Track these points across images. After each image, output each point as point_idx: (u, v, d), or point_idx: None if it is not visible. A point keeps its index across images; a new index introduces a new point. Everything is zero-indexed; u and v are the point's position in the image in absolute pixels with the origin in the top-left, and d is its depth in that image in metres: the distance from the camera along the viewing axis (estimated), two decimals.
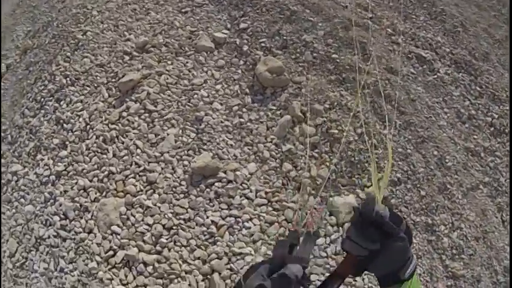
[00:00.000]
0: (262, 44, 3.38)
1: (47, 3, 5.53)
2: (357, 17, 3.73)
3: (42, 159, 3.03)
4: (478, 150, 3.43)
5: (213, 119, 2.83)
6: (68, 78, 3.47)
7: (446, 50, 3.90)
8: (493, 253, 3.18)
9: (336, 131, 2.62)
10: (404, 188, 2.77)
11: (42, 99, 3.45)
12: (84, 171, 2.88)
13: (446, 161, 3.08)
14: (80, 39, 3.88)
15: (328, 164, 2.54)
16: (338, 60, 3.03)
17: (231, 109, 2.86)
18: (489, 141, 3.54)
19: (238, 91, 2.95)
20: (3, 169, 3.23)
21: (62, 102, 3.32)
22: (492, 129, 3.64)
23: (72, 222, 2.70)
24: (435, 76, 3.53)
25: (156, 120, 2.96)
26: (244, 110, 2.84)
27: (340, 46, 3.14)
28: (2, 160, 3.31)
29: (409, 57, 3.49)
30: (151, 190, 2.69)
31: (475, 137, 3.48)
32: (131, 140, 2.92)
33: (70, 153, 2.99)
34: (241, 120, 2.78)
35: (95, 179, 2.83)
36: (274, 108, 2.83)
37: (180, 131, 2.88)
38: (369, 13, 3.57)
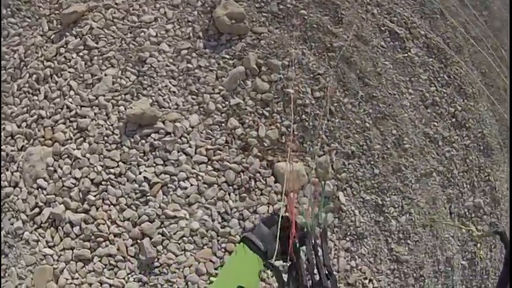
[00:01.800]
0: None
1: None
2: None
3: None
4: (437, 138, 3.34)
5: (158, 61, 2.48)
6: (8, 9, 3.01)
7: (421, 32, 3.73)
8: (438, 242, 3.12)
9: (292, 91, 2.36)
10: (357, 163, 2.59)
11: None
12: (13, 114, 2.55)
13: (404, 142, 2.94)
14: None
15: (278, 125, 2.28)
16: (306, 17, 2.74)
17: (179, 52, 2.51)
18: (449, 132, 3.46)
19: (191, 34, 2.60)
20: None
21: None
22: (454, 120, 3.55)
23: None
24: (405, 55, 3.36)
25: (95, 58, 2.57)
26: (194, 54, 2.50)
27: (310, 3, 2.85)
28: None
29: (381, 30, 3.27)
30: (82, 138, 2.38)
31: (436, 124, 3.37)
32: (65, 80, 2.56)
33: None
34: (189, 65, 2.45)
35: (23, 124, 2.50)
36: (228, 57, 2.51)
37: (120, 72, 2.52)
38: None
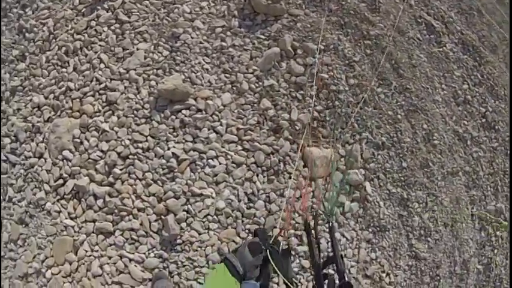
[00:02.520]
0: None
1: None
2: None
3: None
4: (466, 137, 3.26)
5: (192, 38, 2.45)
6: None
7: (457, 27, 3.61)
8: (457, 243, 3.06)
9: (327, 76, 2.31)
10: (386, 154, 2.54)
11: (8, 6, 2.98)
12: (41, 86, 2.56)
13: (434, 138, 2.87)
14: None
15: (310, 109, 2.24)
16: (343, 2, 2.67)
17: (213, 30, 2.48)
18: (478, 132, 3.37)
19: (226, 12, 2.56)
20: None
21: (27, 9, 2.90)
22: (484, 120, 3.46)
23: (23, 145, 2.40)
24: (440, 49, 3.26)
25: (127, 32, 2.55)
26: (228, 33, 2.46)
27: None
28: None
29: (418, 22, 3.17)
30: (110, 111, 2.37)
31: (466, 122, 3.29)
32: (96, 52, 2.54)
33: (28, 66, 2.66)
34: (223, 44, 2.41)
35: (51, 95, 2.51)
36: (263, 37, 2.46)
37: (152, 46, 2.49)
38: None
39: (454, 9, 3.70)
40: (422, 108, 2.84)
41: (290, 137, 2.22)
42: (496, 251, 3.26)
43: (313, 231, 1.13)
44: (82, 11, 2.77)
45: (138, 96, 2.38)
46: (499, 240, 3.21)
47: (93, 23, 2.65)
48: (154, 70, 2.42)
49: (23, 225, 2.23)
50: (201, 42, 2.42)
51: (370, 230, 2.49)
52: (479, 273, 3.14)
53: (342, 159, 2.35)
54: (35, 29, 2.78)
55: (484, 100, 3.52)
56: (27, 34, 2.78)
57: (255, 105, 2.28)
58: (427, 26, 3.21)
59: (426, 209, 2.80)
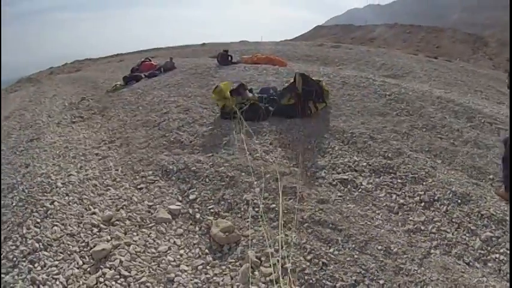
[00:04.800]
0: (211, 210, 4.42)
1: (9, 165, 5.85)
2: (283, 167, 5.03)
3: None
4: (418, 226, 4.15)
5: (183, 278, 3.53)
6: (40, 243, 3.83)
7: (363, 164, 5.00)
8: None
9: (290, 265, 3.50)
10: None
11: (15, 259, 3.67)
12: None
13: (392, 248, 3.72)
14: (48, 207, 4.40)
15: None
16: (276, 209, 4.17)
17: (196, 268, 3.63)
18: (424, 215, 4.29)
19: (200, 253, 3.81)
20: None
21: (36, 265, 3.60)
22: (423, 204, 4.43)
23: None
24: (360, 190, 4.54)
25: (132, 283, 3.46)
26: (208, 267, 3.63)
27: (275, 196, 4.32)
28: None
29: (333, 185, 4.60)
30: None
31: (411, 219, 4.23)
32: None
33: None
34: (207, 276, 3.54)
35: None
36: (233, 260, 3.64)
37: None
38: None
39: (354, 153, 5.66)
40: (370, 238, 3.56)
41: None
42: None
43: None
44: (87, 269, 3.58)
45: None
46: None
47: (101, 279, 3.44)
48: None
49: None
50: (191, 279, 3.50)
51: None
52: None
53: None
54: (48, 282, 3.39)
55: (413, 192, 4.66)
56: (41, 286, 3.35)
57: None
58: (341, 182, 4.75)
59: None
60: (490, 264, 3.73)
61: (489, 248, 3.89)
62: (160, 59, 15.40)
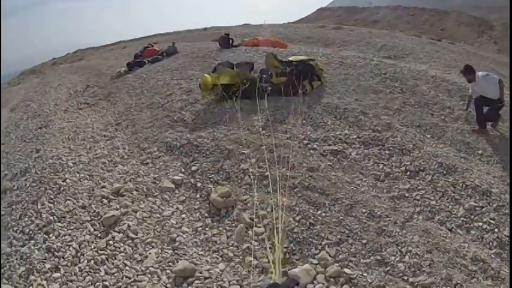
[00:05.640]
0: (211, 179, 4.81)
1: (20, 152, 6.27)
2: (277, 140, 5.35)
3: (35, 280, 3.52)
4: (402, 193, 4.40)
5: (184, 238, 3.95)
6: (54, 216, 4.25)
7: (353, 137, 5.28)
8: None
9: (280, 225, 3.89)
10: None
11: (31, 232, 4.08)
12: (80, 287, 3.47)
13: (376, 211, 3.99)
14: (60, 184, 4.82)
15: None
16: (270, 176, 4.46)
17: (196, 230, 4.05)
18: (409, 183, 4.54)
19: (199, 216, 4.22)
20: None
21: (50, 235, 4.02)
22: (408, 173, 4.66)
23: None
24: (348, 159, 4.84)
25: (139, 244, 3.92)
26: (207, 228, 4.05)
27: (270, 165, 4.65)
28: None
29: (324, 155, 4.91)
30: None
31: (396, 186, 4.48)
32: (120, 260, 3.76)
33: (64, 275, 3.58)
34: (206, 236, 3.97)
35: None
36: (230, 222, 4.07)
37: (159, 250, 3.89)
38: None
39: (346, 126, 6.02)
40: (356, 202, 4.11)
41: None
42: None
43: None
44: (98, 235, 4.02)
45: (160, 281, 3.55)
46: None
47: (111, 242, 3.87)
48: (166, 263, 3.72)
49: None
50: (191, 239, 3.95)
51: None
52: None
53: None
54: (62, 249, 3.79)
55: (400, 162, 5.31)
56: (56, 252, 3.74)
57: (242, 262, 3.63)
58: (332, 153, 5.28)
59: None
60: (472, 232, 3.93)
61: (472, 217, 4.08)
62: (163, 45, 15.67)
